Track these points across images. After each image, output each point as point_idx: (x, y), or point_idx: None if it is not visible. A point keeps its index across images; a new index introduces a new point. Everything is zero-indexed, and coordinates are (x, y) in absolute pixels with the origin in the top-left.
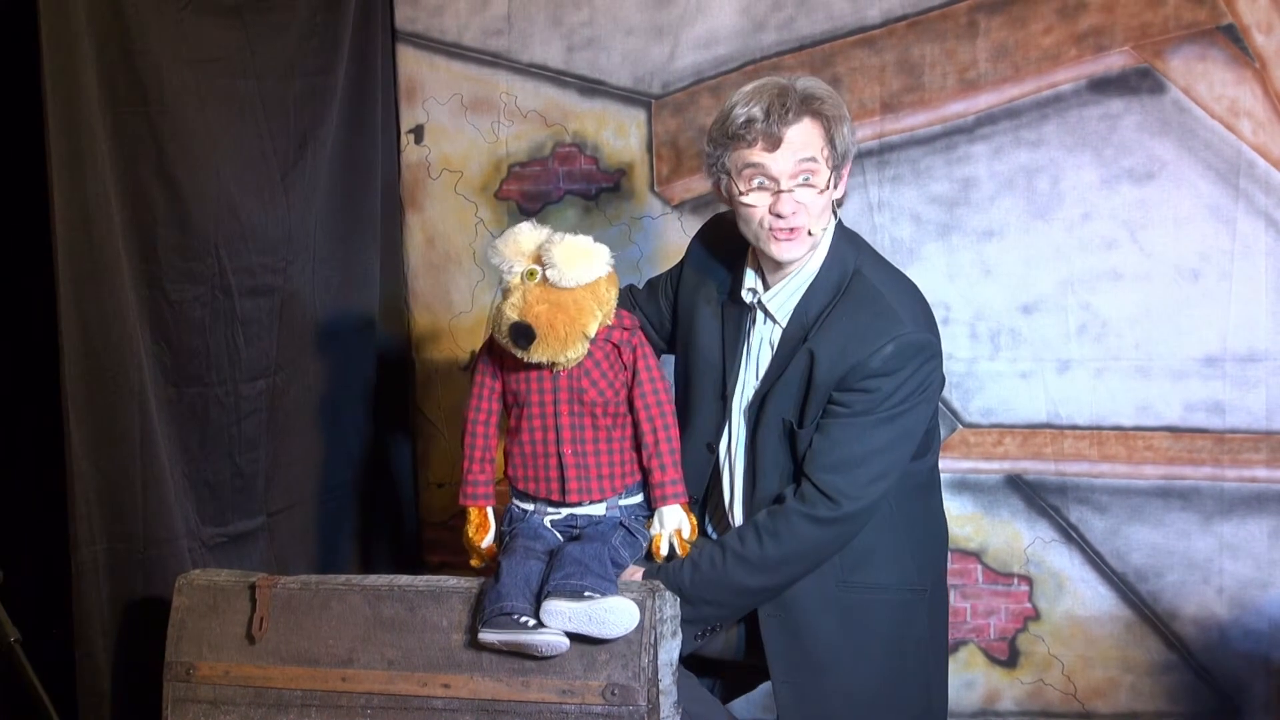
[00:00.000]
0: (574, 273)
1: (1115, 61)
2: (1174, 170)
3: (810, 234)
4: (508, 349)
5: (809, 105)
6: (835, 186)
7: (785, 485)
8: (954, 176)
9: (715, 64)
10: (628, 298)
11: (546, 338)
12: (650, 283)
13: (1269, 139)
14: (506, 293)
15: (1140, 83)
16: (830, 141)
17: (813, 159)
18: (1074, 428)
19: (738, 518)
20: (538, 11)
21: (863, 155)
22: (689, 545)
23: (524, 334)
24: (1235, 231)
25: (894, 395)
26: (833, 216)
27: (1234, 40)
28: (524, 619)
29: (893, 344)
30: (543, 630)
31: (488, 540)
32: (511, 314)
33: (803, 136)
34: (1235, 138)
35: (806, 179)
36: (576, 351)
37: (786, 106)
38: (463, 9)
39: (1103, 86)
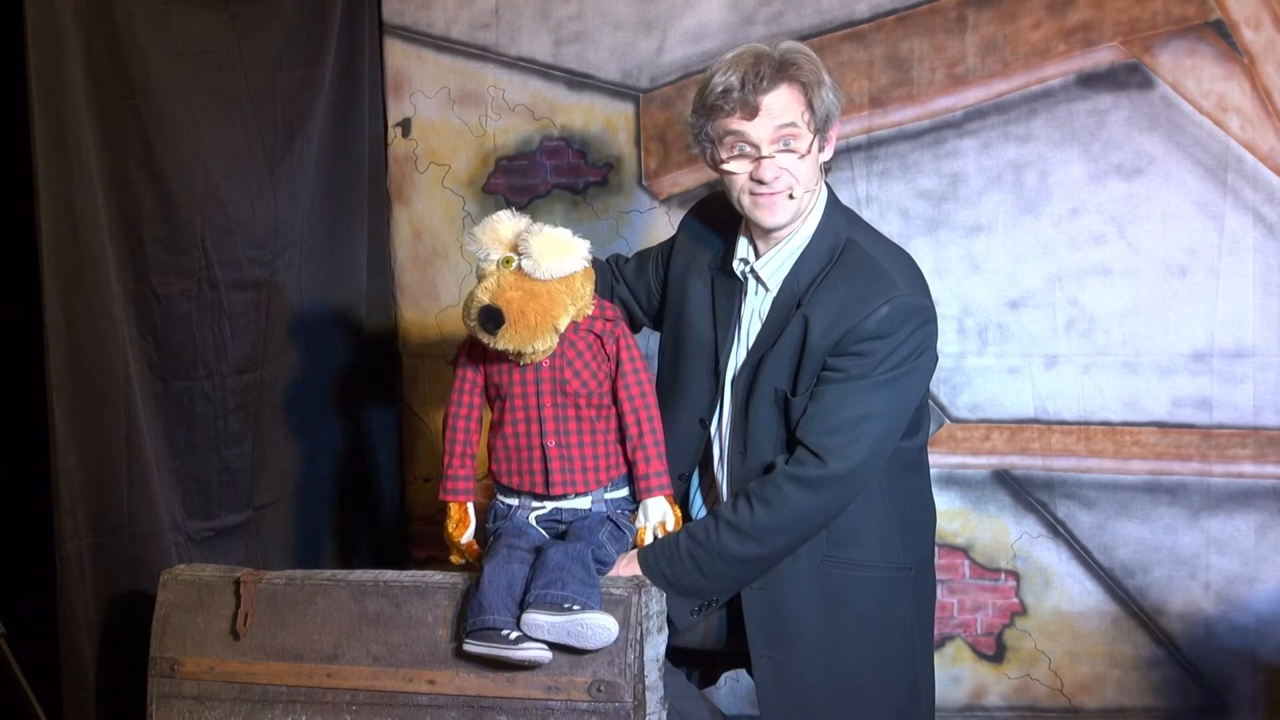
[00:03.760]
0: (549, 264)
1: (1104, 57)
2: (1162, 166)
3: (792, 197)
4: (475, 334)
5: (785, 71)
6: (822, 149)
7: (779, 454)
8: (942, 171)
9: (704, 58)
10: (612, 269)
11: (516, 324)
12: (640, 255)
13: (1257, 134)
14: (481, 279)
15: (1129, 78)
16: (810, 105)
17: (792, 124)
18: (1061, 423)
19: (724, 492)
20: (525, 5)
21: (851, 150)
22: None
23: (493, 318)
24: (1223, 227)
25: (890, 358)
26: (823, 184)
27: (1222, 35)
28: (507, 632)
29: (887, 305)
30: (525, 646)
31: (467, 536)
32: (483, 298)
33: (780, 103)
34: (1223, 133)
35: (787, 144)
36: (545, 343)
37: (761, 75)
38: (450, 2)
39: (1091, 82)
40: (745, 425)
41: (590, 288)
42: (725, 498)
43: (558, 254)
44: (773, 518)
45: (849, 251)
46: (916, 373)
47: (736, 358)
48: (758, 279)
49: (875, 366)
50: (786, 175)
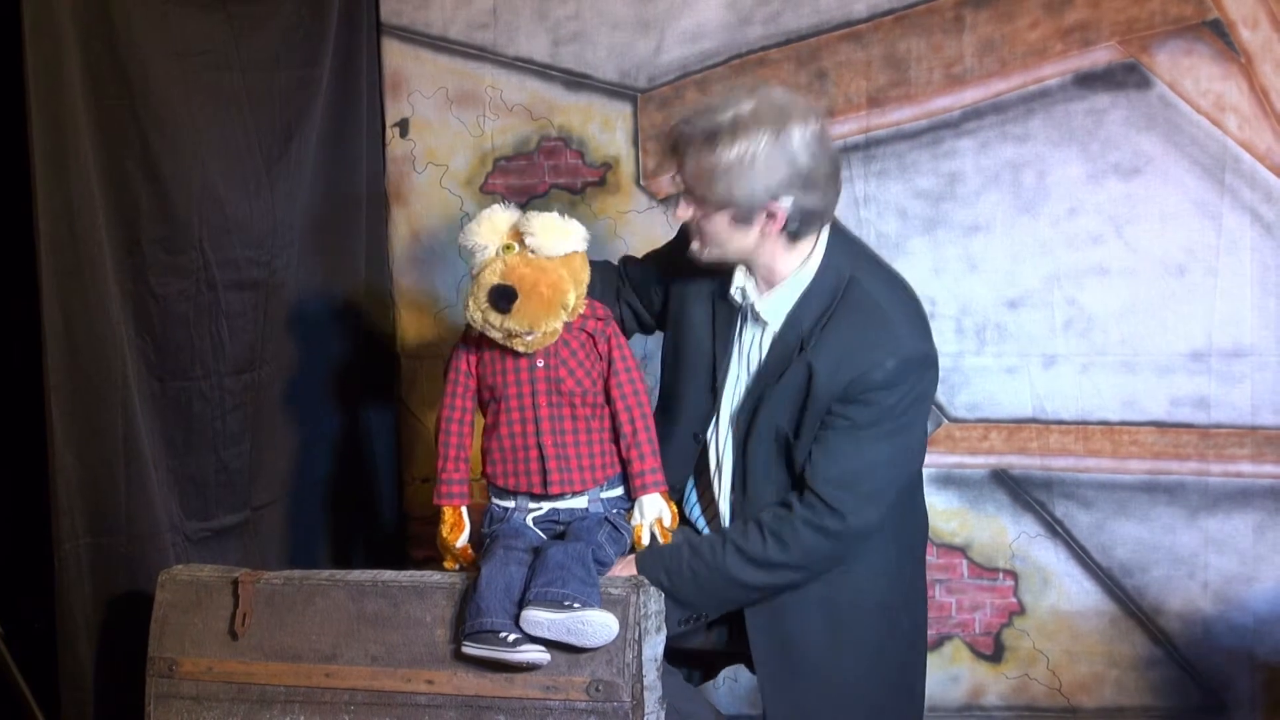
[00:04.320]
0: (554, 241)
1: (1101, 56)
2: (1160, 165)
3: (704, 247)
4: (484, 319)
5: (681, 151)
6: (748, 223)
7: (778, 494)
8: (940, 171)
9: (701, 58)
10: (618, 272)
11: (530, 298)
12: (648, 256)
13: (1254, 134)
14: (483, 268)
15: (1126, 77)
16: (693, 190)
17: (683, 191)
18: (1060, 422)
19: (724, 516)
20: (523, 5)
21: (849, 149)
22: (670, 534)
23: (506, 295)
24: (1221, 227)
25: (896, 407)
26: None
27: (1220, 35)
28: (505, 634)
29: (894, 359)
30: (524, 648)
31: (462, 540)
32: (492, 278)
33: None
34: (1221, 133)
35: (687, 200)
36: (555, 321)
37: (669, 139)
38: (448, 2)
39: (1089, 81)
40: (744, 461)
41: (588, 272)
42: (725, 520)
43: (558, 233)
44: (785, 555)
45: (852, 292)
46: (921, 418)
47: (735, 381)
48: (757, 317)
49: (883, 416)
50: (692, 224)
